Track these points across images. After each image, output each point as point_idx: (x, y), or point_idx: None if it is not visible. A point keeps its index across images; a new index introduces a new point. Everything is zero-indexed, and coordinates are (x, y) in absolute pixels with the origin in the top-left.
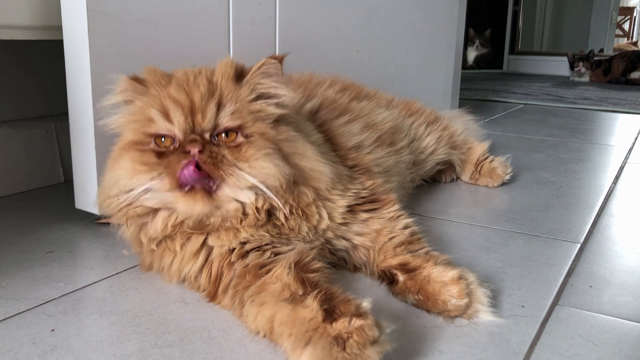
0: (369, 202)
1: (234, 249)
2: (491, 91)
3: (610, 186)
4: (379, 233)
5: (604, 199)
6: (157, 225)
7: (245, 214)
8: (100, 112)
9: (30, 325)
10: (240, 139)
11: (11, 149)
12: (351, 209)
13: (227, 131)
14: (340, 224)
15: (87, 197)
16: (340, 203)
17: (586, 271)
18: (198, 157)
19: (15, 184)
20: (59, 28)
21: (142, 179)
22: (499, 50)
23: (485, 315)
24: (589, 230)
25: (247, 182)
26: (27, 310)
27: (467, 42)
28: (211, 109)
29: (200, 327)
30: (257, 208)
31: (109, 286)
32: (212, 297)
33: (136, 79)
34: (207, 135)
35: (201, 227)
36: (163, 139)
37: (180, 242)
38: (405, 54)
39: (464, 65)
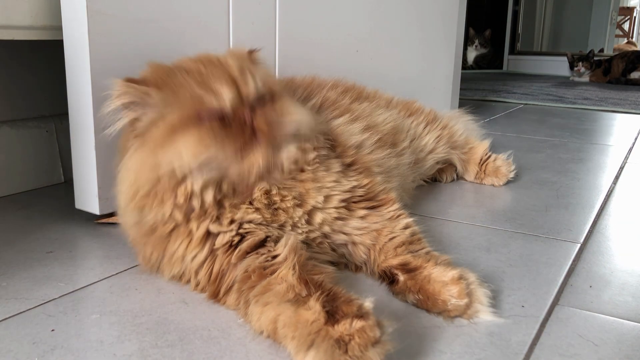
0: (367, 200)
1: (234, 245)
2: (491, 91)
3: (610, 186)
4: (380, 233)
5: (604, 199)
6: (207, 197)
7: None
8: (102, 120)
9: (30, 325)
10: (270, 101)
11: (11, 149)
12: (347, 206)
13: (262, 96)
14: (337, 218)
15: (87, 197)
16: (336, 189)
17: (586, 271)
18: (255, 124)
19: (15, 184)
20: (59, 28)
21: (215, 151)
22: (498, 50)
23: (485, 315)
24: (589, 230)
25: (292, 128)
26: (27, 310)
27: (467, 42)
28: (250, 79)
29: (200, 327)
30: (295, 160)
31: (109, 286)
32: (214, 296)
33: (134, 80)
34: (251, 102)
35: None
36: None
37: (197, 224)
38: (406, 53)
39: (464, 65)
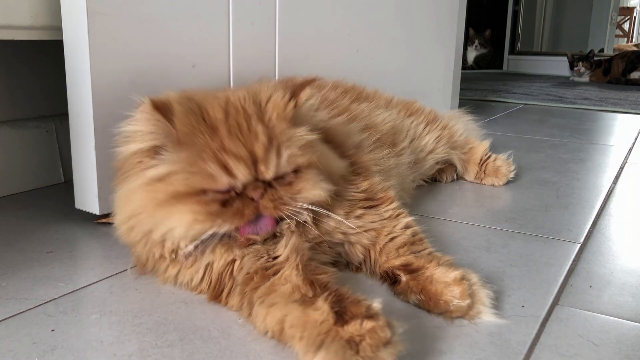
0: (364, 200)
1: (233, 260)
2: (491, 91)
3: (610, 186)
4: (379, 233)
5: (604, 199)
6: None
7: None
8: (118, 137)
9: (30, 325)
10: (291, 176)
11: (11, 149)
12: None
13: (283, 174)
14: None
15: (87, 197)
16: (344, 202)
17: (586, 271)
18: (261, 203)
19: (15, 184)
20: (59, 28)
21: (206, 227)
22: (498, 50)
23: (487, 316)
24: (589, 230)
25: (302, 207)
26: (27, 310)
27: (467, 42)
28: (273, 159)
29: (200, 327)
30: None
31: (109, 286)
32: (215, 298)
33: (162, 109)
34: (267, 181)
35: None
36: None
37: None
38: (406, 54)
39: (464, 65)
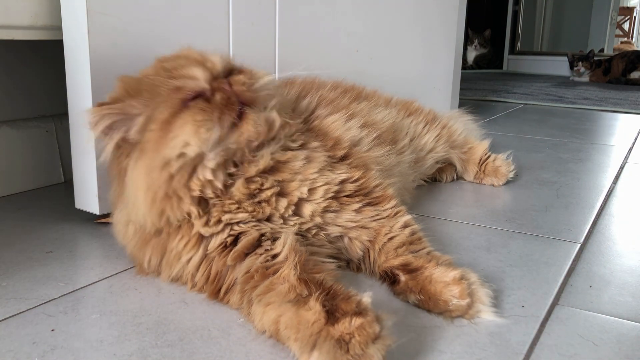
0: (362, 195)
1: (228, 246)
2: (491, 91)
3: (610, 186)
4: (378, 232)
5: (604, 199)
6: (219, 181)
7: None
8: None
9: (30, 325)
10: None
11: (11, 149)
12: (339, 199)
13: (229, 71)
14: (327, 210)
15: (87, 197)
16: (321, 178)
17: (586, 271)
18: (234, 89)
19: (15, 184)
20: (59, 28)
21: (212, 125)
22: (498, 50)
23: (487, 315)
24: (589, 230)
25: (268, 85)
26: (27, 310)
27: (467, 42)
28: (212, 57)
29: (200, 327)
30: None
31: (109, 286)
32: (214, 295)
33: (105, 103)
34: (225, 75)
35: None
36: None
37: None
38: (405, 54)
39: (464, 65)
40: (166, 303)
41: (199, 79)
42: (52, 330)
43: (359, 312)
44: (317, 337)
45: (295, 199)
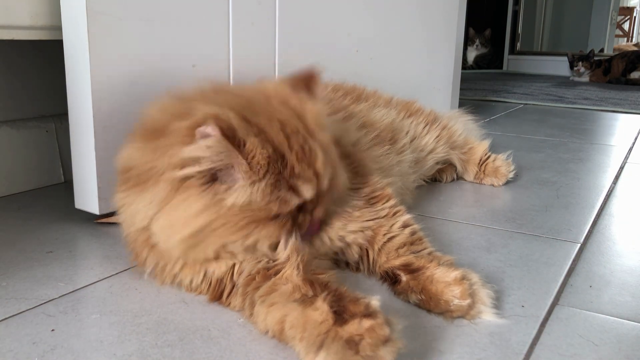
0: (362, 200)
1: (233, 264)
2: (491, 91)
3: (610, 186)
4: (376, 232)
5: (604, 199)
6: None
7: None
8: (185, 161)
9: (30, 325)
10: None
11: (11, 149)
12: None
13: None
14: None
15: (87, 197)
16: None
17: (586, 271)
18: (315, 212)
19: (15, 184)
20: (59, 28)
21: (279, 240)
22: (499, 50)
23: (488, 315)
24: (589, 230)
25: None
26: (27, 310)
27: (467, 42)
28: (328, 172)
29: (200, 327)
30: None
31: (109, 286)
32: (216, 299)
33: (233, 140)
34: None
35: None
36: None
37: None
38: (405, 54)
39: (464, 65)
40: (166, 303)
41: (306, 199)
42: (52, 330)
43: (369, 314)
44: (324, 337)
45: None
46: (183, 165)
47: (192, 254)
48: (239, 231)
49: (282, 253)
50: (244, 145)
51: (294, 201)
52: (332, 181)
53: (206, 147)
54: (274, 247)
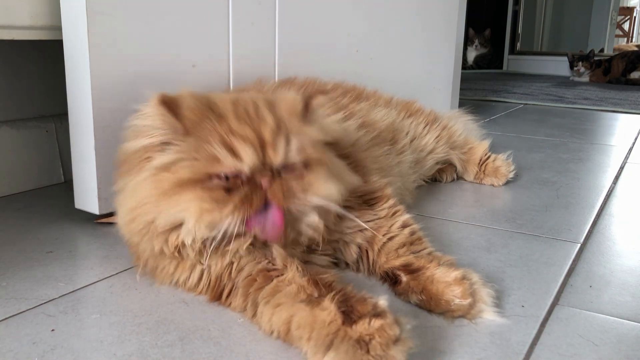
0: (361, 202)
1: (231, 263)
2: (491, 91)
3: (610, 186)
4: (376, 232)
5: (604, 199)
6: (197, 246)
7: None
8: (126, 131)
9: (30, 325)
10: (301, 169)
11: (11, 149)
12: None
13: (292, 164)
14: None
15: (87, 197)
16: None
17: (586, 271)
18: (269, 191)
19: (15, 184)
20: (58, 28)
21: (215, 218)
22: (498, 50)
23: (488, 315)
24: (589, 230)
25: (314, 203)
26: (27, 310)
27: (467, 42)
28: (282, 144)
29: (200, 327)
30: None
31: (109, 286)
32: (216, 299)
33: (170, 105)
34: (275, 168)
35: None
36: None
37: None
38: (405, 54)
39: (464, 65)
40: (166, 303)
41: (244, 166)
42: (52, 330)
43: (377, 314)
44: (333, 337)
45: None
46: (132, 137)
47: (132, 226)
48: (165, 197)
49: (278, 260)
50: (179, 108)
51: (228, 161)
52: (300, 171)
53: (144, 113)
54: (210, 225)
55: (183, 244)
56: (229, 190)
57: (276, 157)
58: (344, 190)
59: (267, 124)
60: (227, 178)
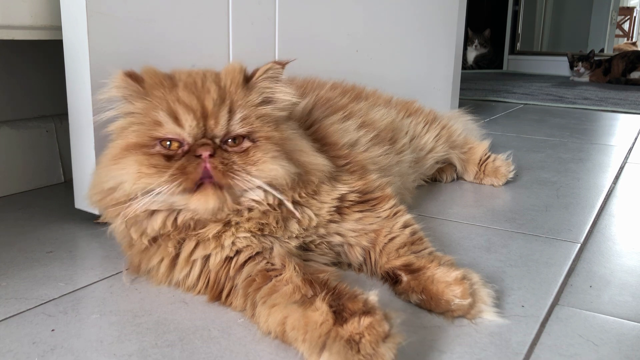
0: (361, 203)
1: (230, 258)
2: (491, 91)
3: (610, 186)
4: (378, 234)
5: (604, 199)
6: (155, 224)
7: (251, 209)
8: (95, 106)
9: (30, 325)
10: (247, 143)
11: (11, 149)
12: (339, 211)
13: (235, 137)
14: (330, 221)
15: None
16: (327, 199)
17: (586, 271)
18: (209, 162)
19: (15, 184)
20: (59, 28)
21: (151, 183)
22: (498, 50)
23: (488, 315)
24: (589, 230)
25: (255, 184)
26: (27, 310)
27: (467, 42)
28: (224, 115)
29: (200, 327)
30: (269, 204)
31: (109, 286)
32: (216, 299)
33: (133, 76)
34: (217, 141)
35: (204, 224)
36: (170, 143)
37: (173, 244)
38: (405, 54)
39: (464, 65)
40: (166, 303)
41: (185, 133)
42: (52, 330)
43: (367, 311)
44: (326, 338)
45: (305, 223)
46: (101, 109)
47: (93, 197)
48: (115, 161)
49: (277, 259)
50: (142, 80)
51: (169, 126)
52: (245, 145)
53: (109, 85)
54: (145, 190)
55: (137, 217)
56: (169, 159)
57: (217, 128)
58: (299, 171)
59: (210, 94)
60: (169, 146)
